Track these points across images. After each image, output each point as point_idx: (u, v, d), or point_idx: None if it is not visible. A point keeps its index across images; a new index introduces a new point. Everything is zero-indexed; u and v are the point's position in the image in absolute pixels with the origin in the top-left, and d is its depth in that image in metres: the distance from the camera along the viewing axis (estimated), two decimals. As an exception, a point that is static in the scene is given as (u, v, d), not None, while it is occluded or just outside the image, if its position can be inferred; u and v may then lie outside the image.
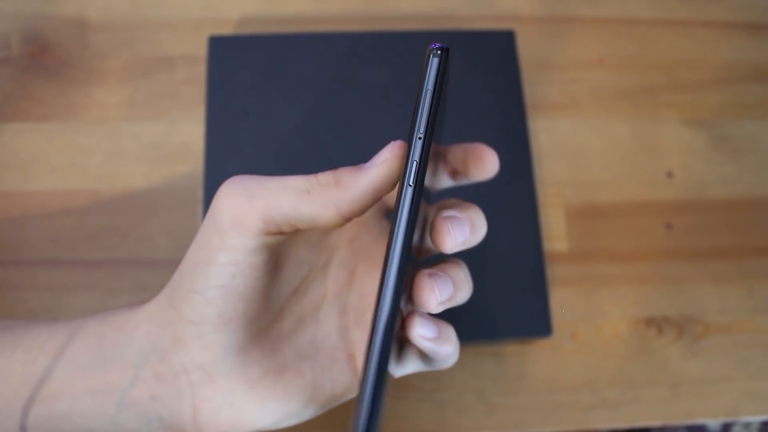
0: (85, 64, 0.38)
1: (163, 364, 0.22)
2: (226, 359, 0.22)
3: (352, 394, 0.24)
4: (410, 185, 0.19)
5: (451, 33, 0.39)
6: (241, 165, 0.35)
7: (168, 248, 0.35)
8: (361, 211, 0.20)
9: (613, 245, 0.38)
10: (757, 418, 0.36)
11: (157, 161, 0.37)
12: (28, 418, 0.23)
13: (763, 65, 0.42)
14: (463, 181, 0.25)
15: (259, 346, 0.23)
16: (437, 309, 0.21)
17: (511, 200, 0.36)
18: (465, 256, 0.33)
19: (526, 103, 0.39)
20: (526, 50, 0.41)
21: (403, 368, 0.24)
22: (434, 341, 0.21)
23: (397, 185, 0.19)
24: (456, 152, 0.25)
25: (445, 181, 0.25)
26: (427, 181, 0.22)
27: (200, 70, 0.39)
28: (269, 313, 0.23)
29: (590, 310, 0.36)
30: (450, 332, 0.22)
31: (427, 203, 0.23)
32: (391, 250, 0.19)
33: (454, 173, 0.25)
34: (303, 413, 0.23)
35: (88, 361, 0.23)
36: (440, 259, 0.23)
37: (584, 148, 0.39)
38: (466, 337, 0.34)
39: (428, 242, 0.25)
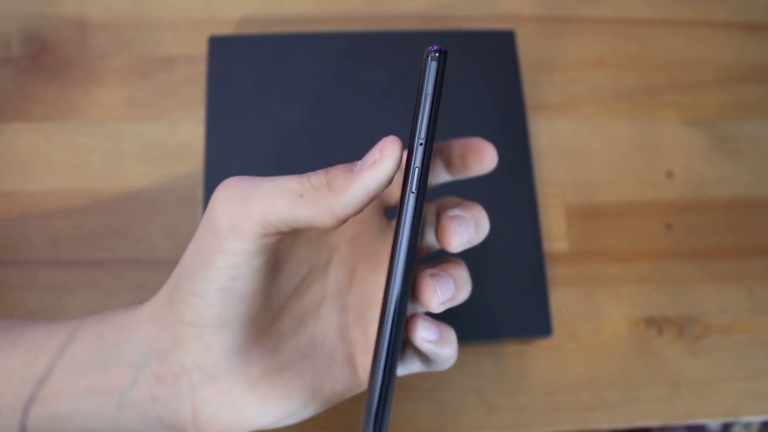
0: (85, 64, 0.38)
1: (163, 365, 0.22)
2: (226, 360, 0.22)
3: (352, 392, 0.24)
4: (413, 192, 0.19)
5: (452, 33, 0.39)
6: (241, 165, 0.35)
7: (168, 248, 0.35)
8: (357, 212, 0.20)
9: (613, 245, 0.38)
10: (757, 418, 0.36)
11: (157, 161, 0.37)
12: (27, 418, 0.23)
13: (763, 65, 0.42)
14: (461, 176, 0.25)
15: (259, 346, 0.23)
16: (439, 309, 0.21)
17: (511, 200, 0.36)
18: (465, 256, 0.33)
19: (526, 103, 0.39)
20: (526, 50, 0.41)
21: (402, 369, 0.24)
22: (435, 344, 0.22)
23: (400, 191, 0.19)
24: (454, 147, 0.25)
25: (442, 176, 0.25)
26: None
27: (200, 70, 0.39)
28: (269, 312, 0.23)
29: (590, 310, 0.36)
30: (451, 335, 0.22)
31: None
32: (395, 261, 0.18)
33: (451, 168, 0.25)
34: (303, 412, 0.23)
35: (87, 362, 0.23)
36: (440, 258, 0.23)
37: (584, 148, 0.39)
38: (466, 337, 0.34)
39: (426, 241, 0.25)
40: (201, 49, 0.39)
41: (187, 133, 0.37)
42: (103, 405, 0.23)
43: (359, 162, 0.20)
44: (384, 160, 0.19)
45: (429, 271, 0.21)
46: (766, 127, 0.41)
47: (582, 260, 0.37)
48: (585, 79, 0.41)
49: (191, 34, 0.39)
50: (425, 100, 0.19)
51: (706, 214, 0.39)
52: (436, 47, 0.19)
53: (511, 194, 0.36)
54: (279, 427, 0.23)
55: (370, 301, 0.25)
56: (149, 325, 0.23)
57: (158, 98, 0.38)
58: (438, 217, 0.22)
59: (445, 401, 0.34)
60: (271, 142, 0.36)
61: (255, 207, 0.20)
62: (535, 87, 0.40)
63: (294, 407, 0.23)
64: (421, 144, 0.19)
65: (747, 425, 0.66)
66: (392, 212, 0.25)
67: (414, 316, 0.21)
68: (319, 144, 0.36)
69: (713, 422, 0.60)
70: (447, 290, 0.21)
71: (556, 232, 0.38)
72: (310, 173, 0.20)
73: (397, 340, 0.18)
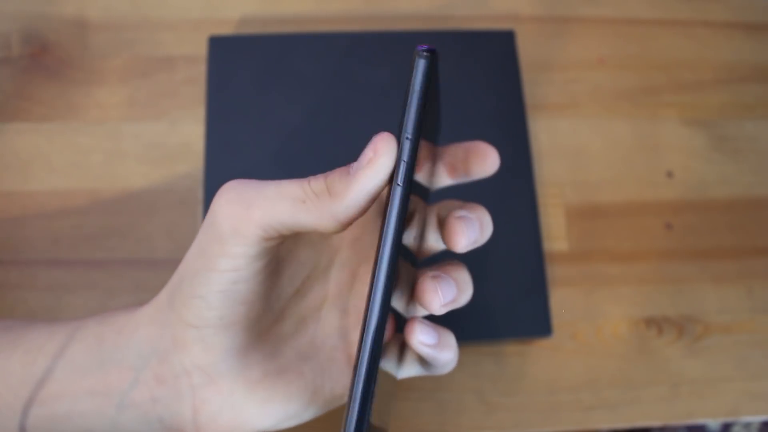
0: (85, 64, 0.38)
1: (163, 366, 0.22)
2: (226, 361, 0.22)
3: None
4: (399, 185, 0.19)
5: (452, 33, 0.39)
6: (241, 165, 0.35)
7: (168, 248, 0.35)
8: (360, 214, 0.20)
9: (613, 245, 0.38)
10: (757, 418, 0.36)
11: (157, 161, 0.37)
12: (27, 419, 0.23)
13: (763, 65, 0.42)
14: (463, 179, 0.25)
15: (259, 347, 0.23)
16: (440, 311, 0.21)
17: (511, 200, 0.36)
18: (464, 256, 0.33)
19: (526, 103, 0.39)
20: (526, 50, 0.41)
21: (401, 371, 0.24)
22: (434, 348, 0.21)
23: (387, 185, 0.19)
24: (457, 151, 0.25)
25: (444, 180, 0.25)
26: (424, 182, 0.22)
27: (200, 70, 0.39)
28: (270, 314, 0.23)
29: (590, 310, 0.36)
30: (450, 339, 0.22)
31: (425, 204, 0.23)
32: (381, 250, 0.19)
33: (453, 171, 0.25)
34: (303, 414, 0.23)
35: (87, 363, 0.23)
36: (441, 261, 0.23)
37: (584, 148, 0.39)
38: (466, 337, 0.34)
39: (428, 243, 0.25)
40: (201, 49, 0.39)
41: (187, 133, 0.37)
42: (103, 406, 0.23)
43: (355, 163, 0.20)
44: (379, 157, 0.19)
45: (430, 273, 0.21)
46: (766, 127, 0.41)
47: (582, 260, 0.37)
48: (585, 79, 0.41)
49: (191, 34, 0.39)
50: (412, 96, 0.19)
51: (706, 214, 0.39)
52: (425, 46, 0.19)
53: (511, 194, 0.36)
54: (279, 428, 0.23)
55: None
56: (150, 326, 0.23)
57: (158, 98, 0.38)
58: (443, 218, 0.22)
59: (444, 401, 0.34)
60: (271, 142, 0.36)
61: (257, 211, 0.20)
62: (535, 87, 0.40)
63: (294, 409, 0.23)
64: (407, 138, 0.19)
65: (747, 425, 0.66)
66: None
67: (413, 319, 0.21)
68: (319, 144, 0.36)
69: (713, 422, 0.60)
70: (448, 292, 0.21)
71: (556, 232, 0.38)
72: (311, 178, 0.20)
73: (381, 331, 0.18)
